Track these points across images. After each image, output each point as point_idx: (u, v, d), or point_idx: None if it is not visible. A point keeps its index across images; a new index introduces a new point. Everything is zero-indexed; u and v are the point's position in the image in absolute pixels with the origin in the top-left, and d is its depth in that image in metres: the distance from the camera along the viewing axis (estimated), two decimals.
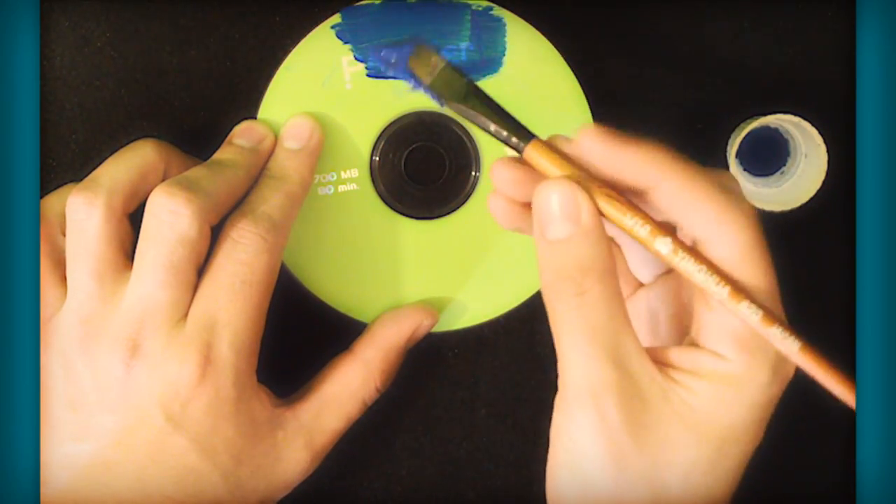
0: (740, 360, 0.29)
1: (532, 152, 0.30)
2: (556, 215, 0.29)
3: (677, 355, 0.30)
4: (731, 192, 0.29)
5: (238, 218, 0.34)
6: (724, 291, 0.29)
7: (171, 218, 0.33)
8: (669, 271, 0.34)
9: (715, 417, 0.29)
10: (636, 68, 0.40)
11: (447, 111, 0.39)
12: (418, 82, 0.34)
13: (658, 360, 0.30)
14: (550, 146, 0.30)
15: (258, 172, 0.37)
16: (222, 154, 0.37)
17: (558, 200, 0.29)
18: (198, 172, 0.35)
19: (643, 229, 0.29)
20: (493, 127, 0.32)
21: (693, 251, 0.29)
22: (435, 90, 0.33)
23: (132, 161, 0.35)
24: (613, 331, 0.29)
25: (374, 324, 0.39)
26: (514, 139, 0.31)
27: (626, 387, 0.29)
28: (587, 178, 0.30)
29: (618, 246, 0.36)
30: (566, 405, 0.30)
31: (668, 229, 0.30)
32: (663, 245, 0.29)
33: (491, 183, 0.32)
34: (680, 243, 0.29)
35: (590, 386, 0.29)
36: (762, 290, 0.29)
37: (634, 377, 0.29)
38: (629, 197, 0.30)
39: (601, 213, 0.29)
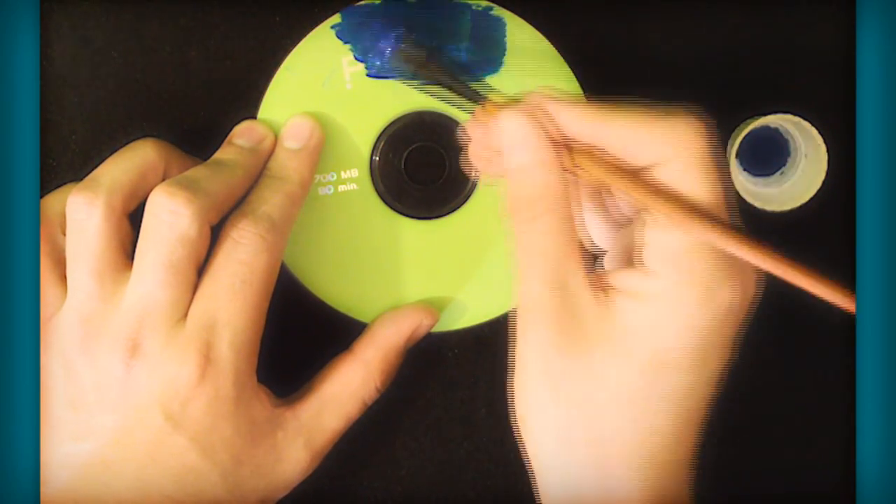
0: (669, 276, 0.30)
1: (486, 110, 0.33)
2: (516, 144, 0.31)
3: (618, 278, 0.31)
4: (675, 116, 0.30)
5: (238, 218, 0.34)
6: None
7: (171, 218, 0.33)
8: None
9: (647, 339, 0.30)
10: (636, 68, 0.40)
11: (447, 110, 0.39)
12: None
13: (602, 284, 0.31)
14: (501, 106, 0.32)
15: (258, 172, 0.37)
16: (222, 154, 0.37)
17: (519, 130, 0.31)
18: (198, 172, 0.35)
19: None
20: (446, 94, 0.34)
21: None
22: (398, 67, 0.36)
23: (132, 161, 0.35)
24: (557, 256, 0.31)
25: (374, 324, 0.39)
26: (467, 103, 0.33)
27: (560, 310, 0.30)
28: None
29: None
30: (518, 323, 0.31)
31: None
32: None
33: (485, 175, 0.33)
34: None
35: (531, 306, 0.31)
36: (707, 202, 0.30)
37: (572, 300, 0.30)
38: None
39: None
